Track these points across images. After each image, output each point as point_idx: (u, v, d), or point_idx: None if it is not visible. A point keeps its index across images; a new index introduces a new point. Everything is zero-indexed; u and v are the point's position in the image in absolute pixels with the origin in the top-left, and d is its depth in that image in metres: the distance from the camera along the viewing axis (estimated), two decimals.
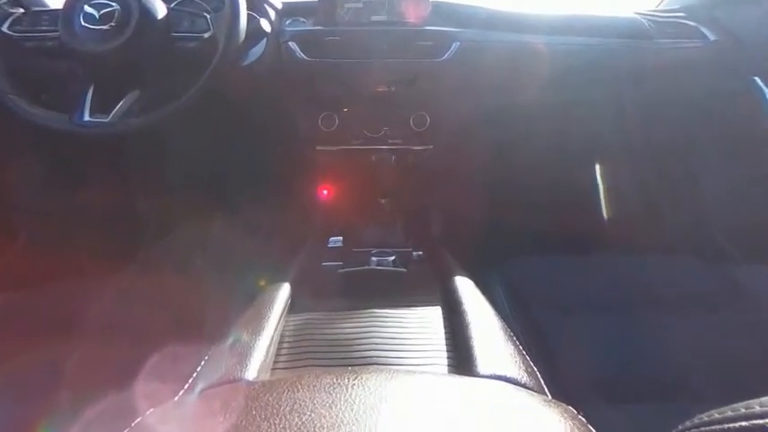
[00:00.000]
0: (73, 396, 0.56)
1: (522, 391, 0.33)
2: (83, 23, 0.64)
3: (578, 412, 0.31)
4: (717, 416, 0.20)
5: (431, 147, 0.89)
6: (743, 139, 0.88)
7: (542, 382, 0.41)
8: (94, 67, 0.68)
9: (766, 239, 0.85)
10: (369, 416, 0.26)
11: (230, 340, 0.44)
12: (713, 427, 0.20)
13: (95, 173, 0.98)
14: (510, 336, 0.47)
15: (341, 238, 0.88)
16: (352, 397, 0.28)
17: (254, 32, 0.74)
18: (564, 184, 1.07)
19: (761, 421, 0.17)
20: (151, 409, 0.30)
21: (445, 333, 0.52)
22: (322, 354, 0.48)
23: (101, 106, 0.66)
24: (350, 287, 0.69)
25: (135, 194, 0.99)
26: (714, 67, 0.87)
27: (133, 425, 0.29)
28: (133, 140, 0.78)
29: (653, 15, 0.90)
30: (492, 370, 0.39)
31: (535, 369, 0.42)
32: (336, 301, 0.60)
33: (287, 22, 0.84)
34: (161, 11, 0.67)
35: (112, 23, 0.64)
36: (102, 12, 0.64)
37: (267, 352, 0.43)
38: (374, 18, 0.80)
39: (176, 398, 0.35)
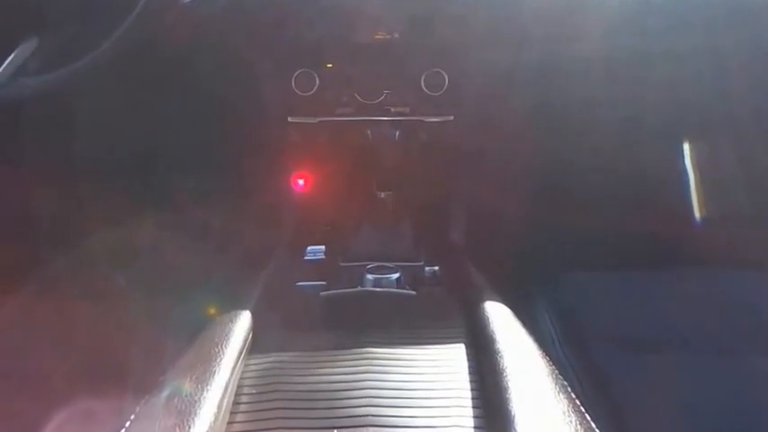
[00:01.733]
0: None
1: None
2: None
3: None
4: None
5: (450, 118, 0.88)
6: None
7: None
8: None
9: None
10: None
11: (165, 393, 0.42)
12: None
13: None
14: (563, 386, 0.46)
15: (323, 247, 0.86)
16: None
17: None
18: (638, 173, 1.05)
19: None
20: None
21: (470, 383, 0.50)
22: (296, 412, 0.46)
23: None
24: (335, 317, 0.68)
25: (29, 185, 0.95)
26: None
27: None
28: (28, 108, 0.74)
29: None
30: (538, 430, 0.38)
31: (593, 426, 0.42)
32: (316, 336, 0.58)
33: None
34: None
35: None
36: None
37: (219, 409, 0.41)
38: None
39: None
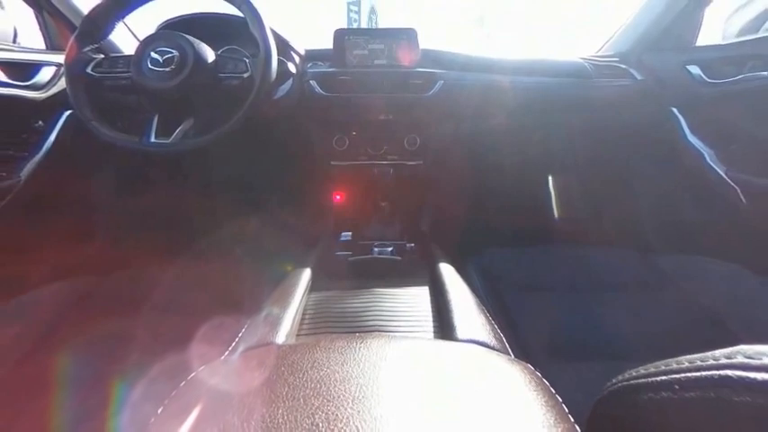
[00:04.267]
0: (138, 358, 0.57)
1: (491, 353, 0.33)
2: (149, 66, 0.65)
3: (535, 369, 0.31)
4: (643, 371, 0.20)
5: (421, 162, 0.90)
6: (665, 154, 0.88)
7: (507, 345, 0.41)
8: (158, 100, 0.69)
9: (683, 234, 0.86)
10: (372, 371, 0.26)
11: (264, 313, 0.44)
12: (640, 381, 0.20)
13: (159, 181, 0.99)
14: (482, 309, 0.47)
15: (350, 233, 0.87)
16: (359, 357, 0.28)
17: (283, 73, 0.75)
18: (525, 191, 1.07)
19: (676, 376, 0.18)
20: (202, 367, 0.30)
21: (431, 307, 0.51)
22: (335, 323, 0.49)
23: (164, 131, 0.67)
24: (357, 271, 0.69)
25: (189, 198, 0.99)
26: (641, 100, 0.87)
27: (188, 379, 0.29)
28: (189, 156, 0.78)
29: (593, 60, 0.90)
30: (467, 336, 0.39)
31: (501, 335, 0.42)
32: (346, 282, 0.60)
33: (308, 65, 0.85)
34: (211, 56, 0.69)
35: (173, 66, 0.65)
36: (165, 57, 0.65)
37: (293, 321, 0.43)
38: (377, 62, 0.82)
39: (222, 358, 0.34)
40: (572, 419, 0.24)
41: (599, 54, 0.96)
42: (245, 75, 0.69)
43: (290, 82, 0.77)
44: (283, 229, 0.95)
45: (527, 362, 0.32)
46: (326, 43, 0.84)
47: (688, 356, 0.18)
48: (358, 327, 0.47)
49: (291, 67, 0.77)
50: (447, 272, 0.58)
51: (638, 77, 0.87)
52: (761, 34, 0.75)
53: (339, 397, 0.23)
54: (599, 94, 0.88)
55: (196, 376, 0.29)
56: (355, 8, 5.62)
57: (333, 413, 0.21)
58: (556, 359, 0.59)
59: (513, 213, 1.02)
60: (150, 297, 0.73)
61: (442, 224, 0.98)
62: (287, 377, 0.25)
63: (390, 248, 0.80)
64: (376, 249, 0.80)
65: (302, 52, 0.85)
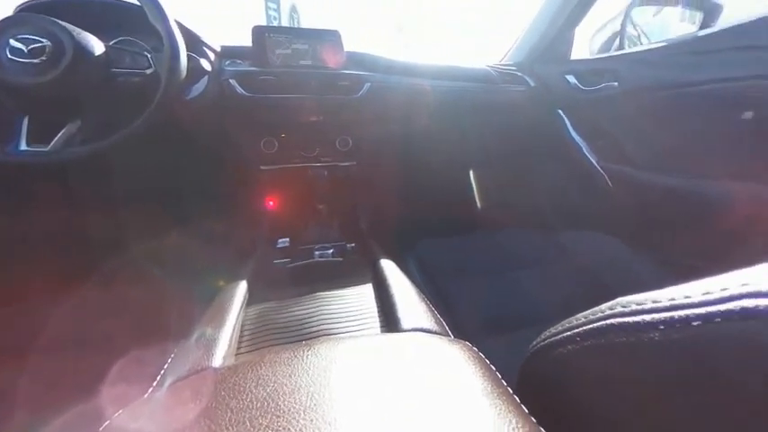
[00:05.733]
0: (43, 406, 0.45)
1: (433, 337, 0.33)
2: (9, 56, 0.50)
3: (472, 345, 0.33)
4: (553, 331, 0.23)
5: (355, 163, 0.88)
6: (556, 148, 1.00)
7: (447, 327, 0.42)
8: (26, 99, 0.53)
9: (573, 214, 1.01)
10: (322, 377, 0.25)
11: (195, 336, 0.39)
12: (551, 339, 0.22)
13: (42, 196, 0.78)
14: (422, 297, 0.48)
15: (287, 239, 0.83)
16: (307, 365, 0.26)
17: (195, 71, 0.66)
18: (450, 186, 1.11)
19: (576, 330, 0.20)
20: (119, 411, 0.26)
21: (376, 303, 0.51)
22: (279, 334, 0.45)
23: (39, 136, 0.54)
24: (298, 278, 0.65)
25: (88, 215, 0.81)
26: (535, 103, 0.98)
27: (103, 428, 0.24)
28: (81, 165, 0.64)
29: (497, 67, 0.99)
30: (411, 325, 0.40)
31: (441, 319, 0.43)
32: (288, 290, 0.56)
33: (226, 63, 0.76)
34: (98, 48, 0.56)
35: (43, 58, 0.51)
36: (30, 47, 0.51)
37: (231, 340, 0.39)
38: (302, 62, 0.77)
39: (145, 395, 0.30)
40: (505, 384, 0.26)
41: (501, 63, 1.05)
42: (148, 71, 0.59)
43: (204, 80, 0.68)
44: (212, 241, 0.85)
45: (465, 340, 0.34)
46: (243, 41, 0.76)
47: (583, 313, 0.21)
48: (304, 335, 0.45)
49: (205, 64, 0.68)
50: (388, 267, 0.58)
51: (532, 84, 0.97)
52: (612, 53, 0.92)
53: (289, 410, 0.22)
54: (503, 97, 0.95)
55: (112, 423, 0.25)
56: (273, 5, 5.29)
57: (284, 428, 0.20)
58: (488, 333, 0.64)
59: (442, 207, 1.07)
60: (45, 334, 0.58)
61: (379, 222, 0.98)
62: (228, 401, 0.23)
63: (331, 250, 0.78)
64: (317, 253, 0.77)
65: (217, 48, 0.75)
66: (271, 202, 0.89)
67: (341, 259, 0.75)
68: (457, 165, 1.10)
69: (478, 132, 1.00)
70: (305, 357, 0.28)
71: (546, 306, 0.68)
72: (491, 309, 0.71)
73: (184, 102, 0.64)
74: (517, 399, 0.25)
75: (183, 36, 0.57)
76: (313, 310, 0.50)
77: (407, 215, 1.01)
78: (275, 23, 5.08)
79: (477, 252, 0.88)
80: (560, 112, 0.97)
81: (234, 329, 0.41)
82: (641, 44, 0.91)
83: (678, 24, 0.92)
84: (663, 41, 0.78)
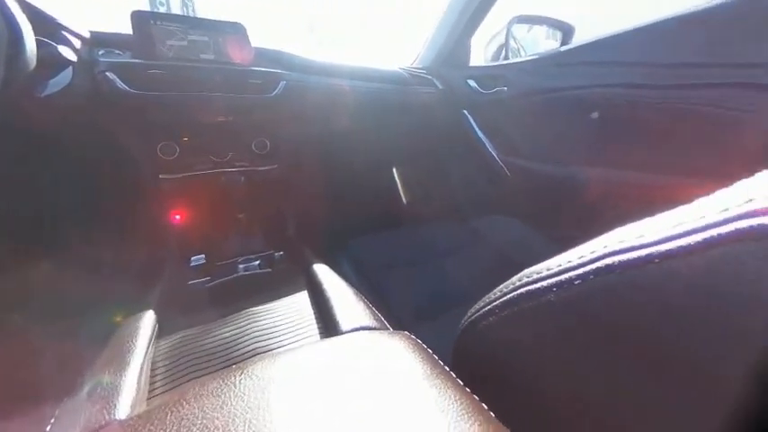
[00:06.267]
0: None
1: (373, 333, 0.33)
2: None
3: (410, 333, 0.33)
4: (476, 308, 0.25)
5: (275, 166, 0.82)
6: (466, 146, 1.10)
7: (385, 321, 0.42)
8: None
9: (484, 202, 1.13)
10: (260, 400, 0.23)
11: (87, 389, 0.32)
12: (475, 316, 0.24)
13: None
14: (359, 296, 0.48)
15: (203, 255, 0.73)
16: (241, 390, 0.24)
17: (53, 60, 0.52)
18: (377, 184, 1.13)
19: (493, 304, 0.22)
20: None
21: (312, 309, 0.50)
22: (204, 364, 0.40)
23: None
24: (222, 297, 0.60)
25: None
26: (443, 105, 1.05)
27: None
28: None
29: (409, 69, 1.05)
30: (350, 325, 0.39)
31: (378, 314, 0.44)
32: (210, 312, 0.52)
33: (99, 53, 0.62)
34: None
35: None
36: None
37: (139, 383, 0.33)
38: (203, 56, 0.67)
39: None
40: (442, 364, 0.28)
41: (413, 66, 1.10)
42: None
43: (67, 72, 0.54)
44: (99, 269, 0.69)
45: (403, 330, 0.34)
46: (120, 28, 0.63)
47: (498, 287, 0.23)
48: (234, 358, 0.41)
49: (67, 53, 0.54)
50: (321, 271, 0.57)
51: (440, 87, 1.05)
52: (501, 62, 1.07)
53: None
54: (416, 99, 0.99)
55: None
56: None
57: None
58: (423, 320, 0.67)
59: (370, 205, 1.08)
60: None
61: (308, 225, 0.94)
62: None
63: (257, 262, 0.72)
64: (241, 266, 0.70)
65: (86, 34, 0.61)
66: (177, 216, 0.77)
67: (269, 270, 0.71)
68: (380, 163, 1.13)
69: (396, 132, 1.03)
70: (237, 383, 0.25)
71: (470, 287, 0.75)
72: (423, 297, 0.75)
73: (38, 99, 0.50)
74: (453, 375, 0.26)
75: (30, 16, 0.44)
76: (242, 329, 0.46)
77: (337, 216, 1.00)
78: (162, 10, 4.38)
79: (406, 245, 0.92)
80: (465, 112, 1.08)
81: (142, 370, 0.35)
82: (521, 55, 1.07)
83: (545, 41, 1.12)
84: (535, 54, 0.93)
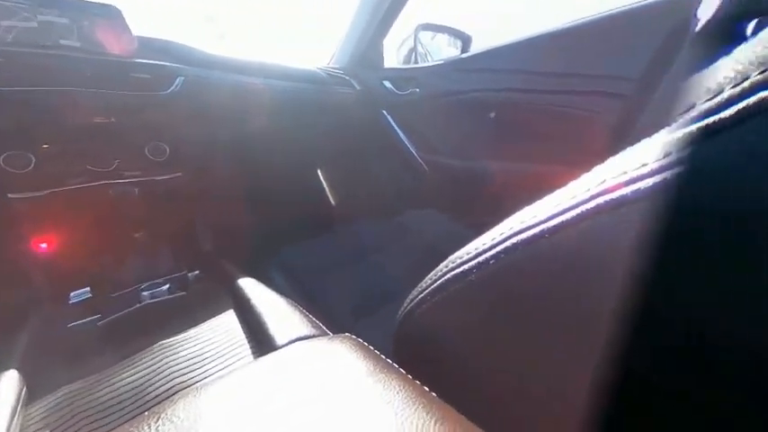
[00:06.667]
0: None
1: (312, 341, 0.32)
2: None
3: (351, 334, 0.33)
4: (410, 298, 0.26)
5: (179, 174, 0.72)
6: (387, 145, 1.13)
7: (324, 326, 0.41)
8: None
9: (409, 198, 1.19)
10: None
11: None
12: (410, 306, 0.25)
13: None
14: (293, 305, 0.46)
15: (87, 288, 0.60)
16: None
17: None
18: (303, 187, 1.08)
19: (425, 292, 0.23)
20: None
21: (242, 329, 0.45)
22: (106, 419, 0.33)
23: None
24: (121, 335, 0.51)
25: None
26: (362, 105, 1.07)
27: None
28: None
29: (326, 69, 1.04)
30: (287, 337, 0.37)
31: (316, 321, 0.42)
32: (106, 357, 0.43)
33: None
34: None
35: None
36: None
37: None
38: (64, 42, 0.54)
39: None
40: (384, 358, 0.28)
41: (330, 66, 1.09)
42: None
43: None
44: None
45: (342, 331, 0.34)
46: None
47: (429, 276, 0.24)
48: (148, 402, 0.34)
49: None
50: (248, 285, 0.52)
51: (358, 87, 1.06)
52: (412, 65, 1.14)
53: None
54: (335, 99, 0.98)
55: None
56: None
57: None
58: (365, 319, 0.68)
59: (298, 209, 1.03)
60: None
61: (228, 238, 0.85)
62: None
63: (166, 286, 0.62)
64: (146, 293, 0.60)
65: None
66: (44, 244, 0.61)
67: (183, 293, 0.62)
68: (303, 165, 1.08)
69: (317, 132, 1.01)
70: (153, 431, 0.21)
71: (404, 280, 0.79)
72: (361, 296, 0.76)
73: None
74: (396, 366, 0.27)
75: None
76: (154, 367, 0.40)
77: (262, 223, 0.93)
78: None
79: (338, 247, 0.91)
80: (384, 112, 1.12)
81: None
82: (429, 60, 1.16)
83: (447, 48, 1.23)
84: (441, 60, 1.02)
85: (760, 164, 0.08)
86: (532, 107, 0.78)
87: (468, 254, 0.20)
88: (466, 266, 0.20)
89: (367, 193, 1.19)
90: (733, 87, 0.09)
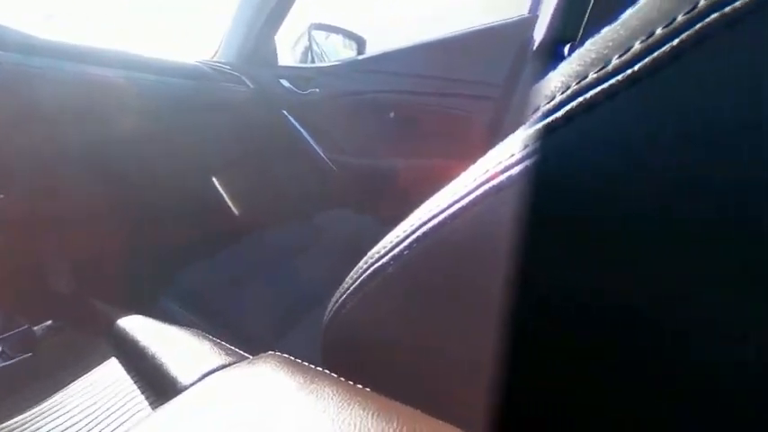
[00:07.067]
0: None
1: (230, 369, 0.28)
2: None
3: (275, 350, 0.30)
4: (334, 300, 0.24)
5: (1, 197, 0.54)
6: (292, 146, 1.08)
7: (240, 351, 0.37)
8: None
9: (320, 199, 1.17)
10: None
11: None
12: (336, 306, 0.24)
13: None
14: (197, 335, 0.39)
15: None
16: None
17: None
18: (197, 197, 0.94)
19: (350, 289, 0.23)
20: None
21: (131, 378, 0.37)
22: None
23: None
24: None
25: None
26: (259, 104, 0.99)
27: None
28: None
29: (210, 64, 0.92)
30: (195, 374, 0.32)
31: (229, 346, 0.38)
32: None
33: None
34: None
35: None
36: None
37: None
38: None
39: None
40: (314, 368, 0.26)
41: (214, 60, 0.97)
42: None
43: None
44: None
45: (268, 350, 0.31)
46: None
47: (349, 275, 0.23)
48: None
49: None
50: (134, 325, 0.43)
51: (251, 86, 0.98)
52: (309, 64, 1.11)
53: None
54: (227, 97, 0.90)
55: None
56: None
57: None
58: (290, 331, 0.64)
59: (193, 225, 0.89)
60: None
61: (97, 272, 0.69)
62: None
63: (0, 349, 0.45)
64: None
65: None
66: None
67: (30, 354, 0.47)
68: (193, 173, 0.94)
69: (208, 135, 0.90)
70: None
71: (326, 284, 0.78)
72: (282, 307, 0.72)
73: None
74: (328, 372, 0.26)
75: None
76: None
77: (147, 248, 0.78)
78: None
79: (249, 258, 0.83)
80: (285, 112, 1.06)
81: None
82: (325, 60, 1.15)
83: (343, 49, 1.25)
84: (339, 60, 1.03)
85: (585, 152, 0.11)
86: (424, 108, 0.86)
87: (384, 248, 0.21)
88: (383, 260, 0.20)
89: (274, 198, 1.11)
90: (561, 94, 0.12)
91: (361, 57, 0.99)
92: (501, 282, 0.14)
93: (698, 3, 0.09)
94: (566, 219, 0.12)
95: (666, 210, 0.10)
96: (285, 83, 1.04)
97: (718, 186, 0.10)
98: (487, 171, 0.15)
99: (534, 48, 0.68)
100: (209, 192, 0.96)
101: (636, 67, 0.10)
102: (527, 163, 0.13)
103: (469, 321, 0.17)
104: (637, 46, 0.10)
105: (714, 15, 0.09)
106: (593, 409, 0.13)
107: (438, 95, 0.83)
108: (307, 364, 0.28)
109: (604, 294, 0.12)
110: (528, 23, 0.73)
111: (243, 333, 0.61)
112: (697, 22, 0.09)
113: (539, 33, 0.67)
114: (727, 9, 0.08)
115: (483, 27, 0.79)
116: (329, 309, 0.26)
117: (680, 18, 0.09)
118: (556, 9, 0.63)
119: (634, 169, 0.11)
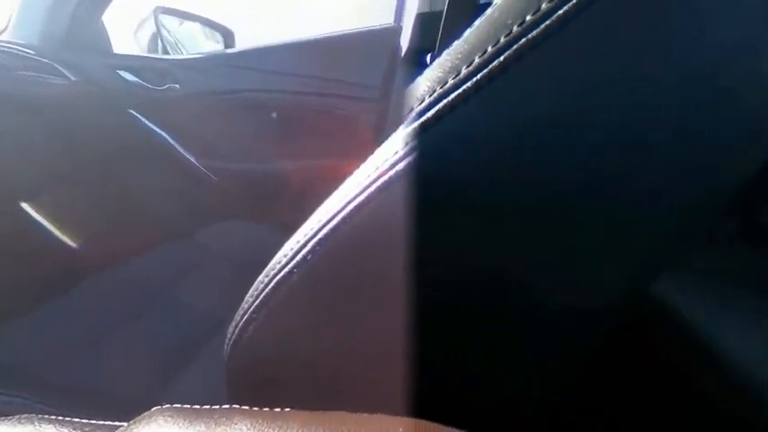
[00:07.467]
0: None
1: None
2: None
3: (164, 403, 0.26)
4: (234, 324, 0.22)
5: None
6: (149, 153, 0.88)
7: (100, 420, 0.29)
8: None
9: (198, 212, 1.00)
10: None
11: None
12: (237, 331, 0.22)
13: None
14: (40, 421, 0.29)
15: None
16: None
17: None
18: (9, 231, 0.66)
19: (252, 307, 0.21)
20: None
21: None
22: None
23: None
24: None
25: None
26: (90, 101, 0.78)
27: None
28: None
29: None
30: None
31: (89, 421, 0.30)
32: None
33: None
34: None
35: None
36: None
37: None
38: None
39: None
40: (216, 408, 0.23)
41: (5, 41, 0.70)
42: None
43: None
44: None
45: (149, 406, 0.26)
46: None
47: (248, 293, 0.22)
48: None
49: None
50: None
51: (72, 78, 0.75)
52: (163, 56, 0.92)
53: None
54: (39, 92, 0.68)
55: None
56: None
57: None
58: (179, 374, 0.53)
59: (7, 269, 0.62)
60: None
61: None
62: None
63: None
64: None
65: None
66: None
67: None
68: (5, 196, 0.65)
69: (14, 142, 0.65)
70: None
71: (221, 309, 0.68)
72: (165, 348, 0.59)
73: None
74: (237, 406, 0.23)
75: None
76: None
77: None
78: None
79: (101, 304, 0.63)
80: (132, 112, 0.85)
81: None
82: (181, 51, 0.97)
83: (205, 41, 1.09)
84: (202, 53, 0.89)
85: (453, 146, 0.13)
86: (308, 108, 0.84)
87: (285, 256, 0.20)
88: (286, 269, 0.19)
89: (134, 219, 0.89)
90: (429, 96, 0.14)
91: (230, 51, 0.89)
92: (401, 269, 0.15)
93: (512, 29, 0.12)
94: (447, 206, 0.14)
95: (508, 193, 0.13)
96: (128, 75, 0.84)
97: (539, 177, 0.13)
98: (377, 168, 0.16)
99: (403, 54, 0.76)
100: (20, 224, 0.68)
101: (478, 77, 0.13)
102: (409, 159, 0.14)
103: (377, 311, 0.18)
104: (476, 60, 0.13)
105: (522, 41, 0.12)
106: (484, 365, 0.16)
107: (318, 95, 0.83)
108: (208, 406, 0.24)
109: (483, 265, 0.14)
110: (394, 32, 0.81)
111: (114, 394, 0.47)
112: (513, 44, 0.12)
113: (404, 42, 0.75)
114: (531, 35, 0.11)
115: (353, 31, 0.83)
116: (229, 335, 0.23)
117: (502, 39, 0.12)
118: (414, 23, 0.72)
119: (483, 163, 0.13)
